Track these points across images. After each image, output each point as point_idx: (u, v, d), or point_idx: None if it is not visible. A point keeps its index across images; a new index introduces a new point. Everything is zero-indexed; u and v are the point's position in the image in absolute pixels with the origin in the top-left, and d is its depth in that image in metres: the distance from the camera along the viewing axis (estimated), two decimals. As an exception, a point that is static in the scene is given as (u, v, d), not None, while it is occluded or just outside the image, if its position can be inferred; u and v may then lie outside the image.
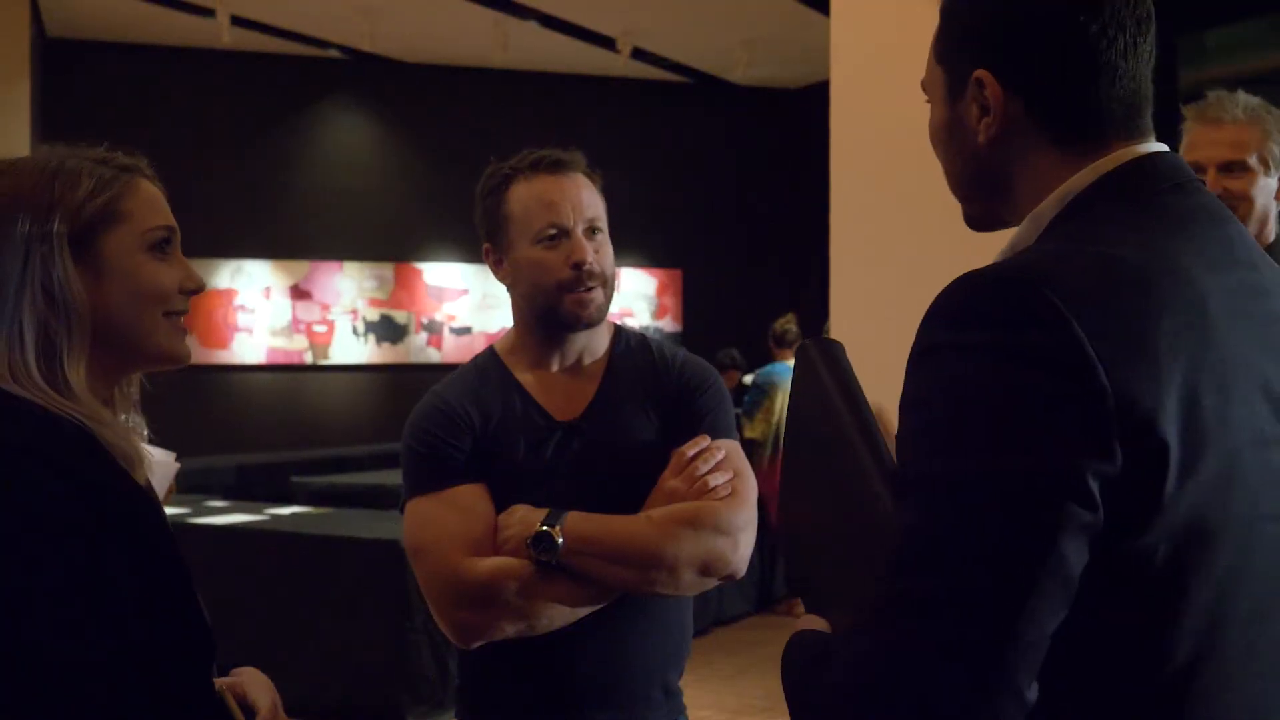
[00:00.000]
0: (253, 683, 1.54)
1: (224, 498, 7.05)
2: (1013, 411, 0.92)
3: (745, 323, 10.45)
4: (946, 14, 1.17)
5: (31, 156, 1.43)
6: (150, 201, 1.45)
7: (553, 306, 1.94)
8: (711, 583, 1.89)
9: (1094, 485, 0.90)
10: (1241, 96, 2.40)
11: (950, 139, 1.17)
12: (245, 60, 10.77)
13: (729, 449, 1.93)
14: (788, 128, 12.10)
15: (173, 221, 1.47)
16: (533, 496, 1.88)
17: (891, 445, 1.10)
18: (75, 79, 10.11)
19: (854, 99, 3.79)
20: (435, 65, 11.46)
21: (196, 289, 1.47)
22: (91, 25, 10.13)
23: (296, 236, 11.17)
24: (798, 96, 12.12)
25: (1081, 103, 1.09)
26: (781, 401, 7.40)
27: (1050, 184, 1.10)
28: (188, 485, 7.30)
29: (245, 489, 8.15)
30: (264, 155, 10.96)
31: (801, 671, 1.07)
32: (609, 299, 1.98)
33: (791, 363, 7.87)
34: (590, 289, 1.93)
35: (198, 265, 1.57)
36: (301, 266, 11.22)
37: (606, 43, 10.54)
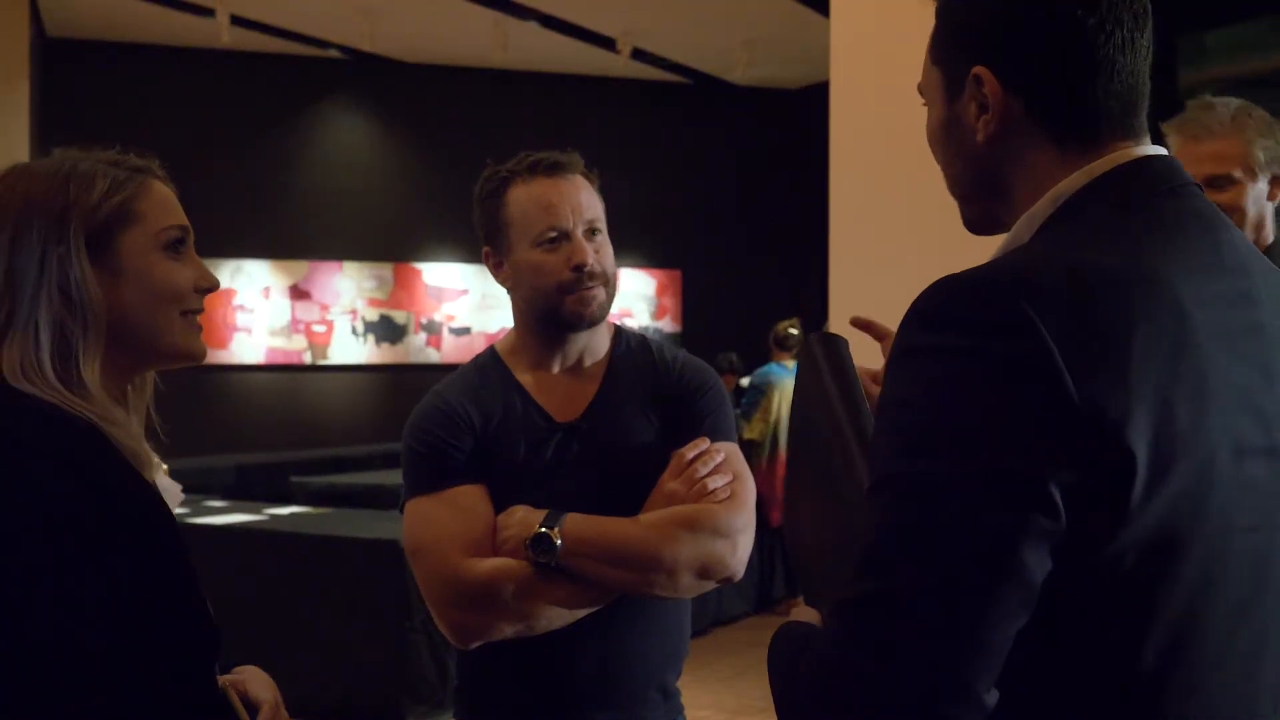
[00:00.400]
0: (255, 680, 1.55)
1: (223, 498, 7.05)
2: (978, 417, 0.93)
3: (744, 323, 10.45)
4: (943, 13, 1.17)
5: (45, 160, 1.45)
6: (163, 202, 1.48)
7: (554, 308, 1.94)
8: (710, 585, 1.89)
9: (1057, 493, 0.91)
10: (1219, 106, 2.35)
11: (948, 139, 1.17)
12: (245, 60, 10.77)
13: (728, 451, 1.93)
14: (787, 128, 12.10)
15: (186, 221, 1.50)
16: (532, 497, 1.88)
17: None
18: (75, 79, 10.11)
19: (853, 100, 3.79)
20: (435, 65, 11.47)
21: (211, 287, 1.50)
22: (91, 25, 10.13)
23: (296, 236, 11.17)
24: (797, 97, 12.12)
25: (1079, 98, 1.09)
26: (779, 402, 7.41)
27: (1047, 184, 1.10)
28: (187, 486, 7.28)
29: (244, 489, 8.15)
30: (263, 155, 10.96)
31: (782, 663, 1.08)
32: (611, 298, 1.98)
33: (789, 364, 7.90)
34: (591, 288, 1.93)
35: (197, 265, 1.59)
36: (301, 266, 11.22)
37: (606, 43, 10.54)
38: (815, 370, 1.19)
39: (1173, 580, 0.95)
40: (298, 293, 11.23)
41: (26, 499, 1.27)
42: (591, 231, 1.95)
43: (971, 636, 0.90)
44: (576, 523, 1.82)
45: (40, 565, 1.26)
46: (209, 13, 9.32)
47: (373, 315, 11.51)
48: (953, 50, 1.15)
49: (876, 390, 1.63)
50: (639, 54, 10.91)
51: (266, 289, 11.11)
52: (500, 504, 1.89)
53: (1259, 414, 1.01)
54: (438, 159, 11.26)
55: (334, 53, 10.89)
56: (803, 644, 1.05)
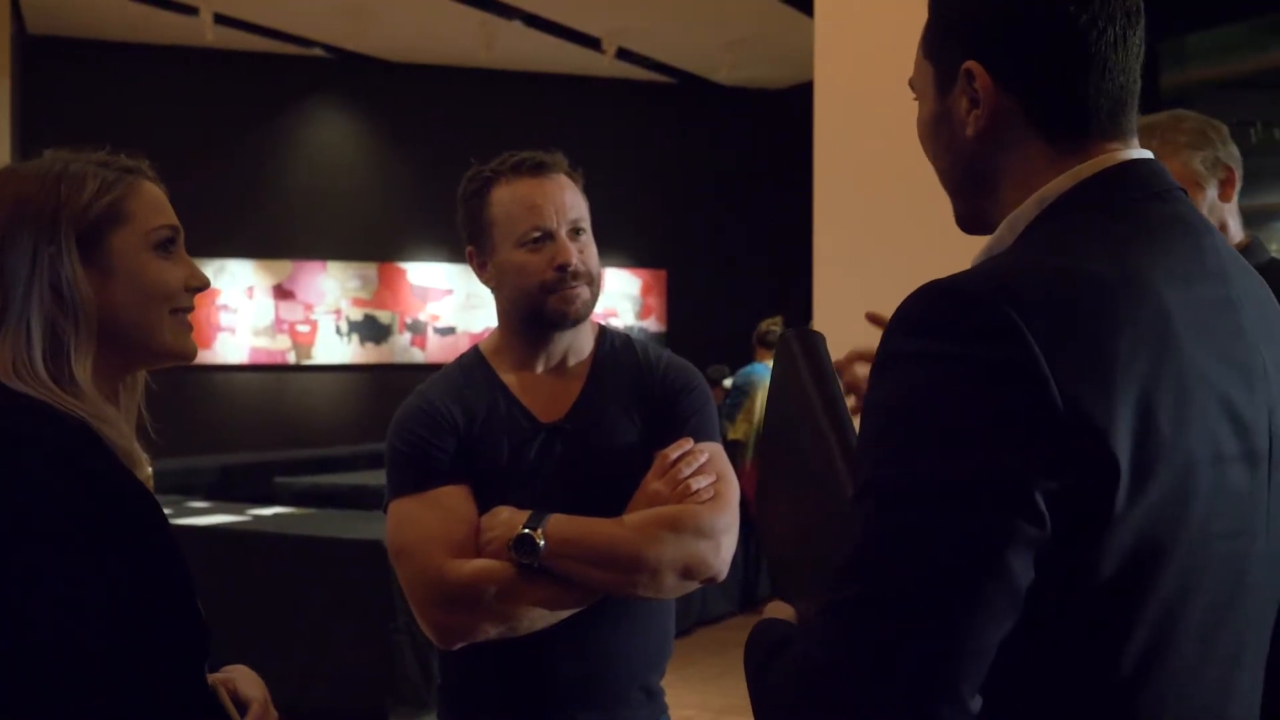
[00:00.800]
0: (244, 678, 1.57)
1: (206, 498, 7.03)
2: (964, 424, 0.93)
3: (730, 323, 10.46)
4: (936, 7, 1.17)
5: (36, 161, 1.47)
6: (154, 202, 1.49)
7: (538, 308, 1.94)
8: (693, 585, 1.89)
9: (1042, 501, 0.91)
10: (1152, 126, 2.28)
11: (939, 135, 1.17)
12: (228, 59, 10.74)
13: (712, 451, 1.93)
14: (772, 128, 12.12)
15: (176, 221, 1.51)
16: (516, 497, 1.88)
17: None
18: (56, 77, 10.06)
19: (838, 100, 3.80)
20: (420, 65, 11.45)
21: (201, 286, 1.52)
22: (73, 23, 10.09)
23: (279, 236, 11.14)
24: (782, 97, 12.14)
25: (1070, 94, 1.08)
26: (762, 401, 7.42)
27: (1035, 181, 1.09)
28: (170, 486, 7.27)
29: (228, 489, 8.11)
30: (247, 154, 10.92)
31: (760, 659, 1.08)
32: (595, 296, 1.98)
33: (771, 363, 7.87)
34: (575, 287, 1.93)
35: (180, 264, 1.60)
36: (285, 266, 11.19)
37: (591, 43, 10.54)
38: (792, 365, 1.18)
39: (1152, 587, 0.96)
40: (282, 292, 11.20)
41: (23, 497, 1.28)
42: (575, 231, 1.95)
43: (958, 640, 0.90)
44: (560, 524, 1.82)
45: (38, 563, 1.26)
46: (192, 11, 9.29)
47: (357, 315, 11.48)
48: (944, 44, 1.14)
49: (863, 374, 1.63)
50: (624, 54, 10.92)
51: (250, 289, 11.08)
52: (484, 504, 1.89)
53: (1237, 420, 1.01)
54: (422, 158, 11.24)
55: (318, 52, 10.86)
56: (781, 642, 1.05)
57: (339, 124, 11.53)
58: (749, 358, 7.78)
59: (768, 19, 9.73)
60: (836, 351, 1.24)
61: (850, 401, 1.35)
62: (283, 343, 11.23)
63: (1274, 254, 2.37)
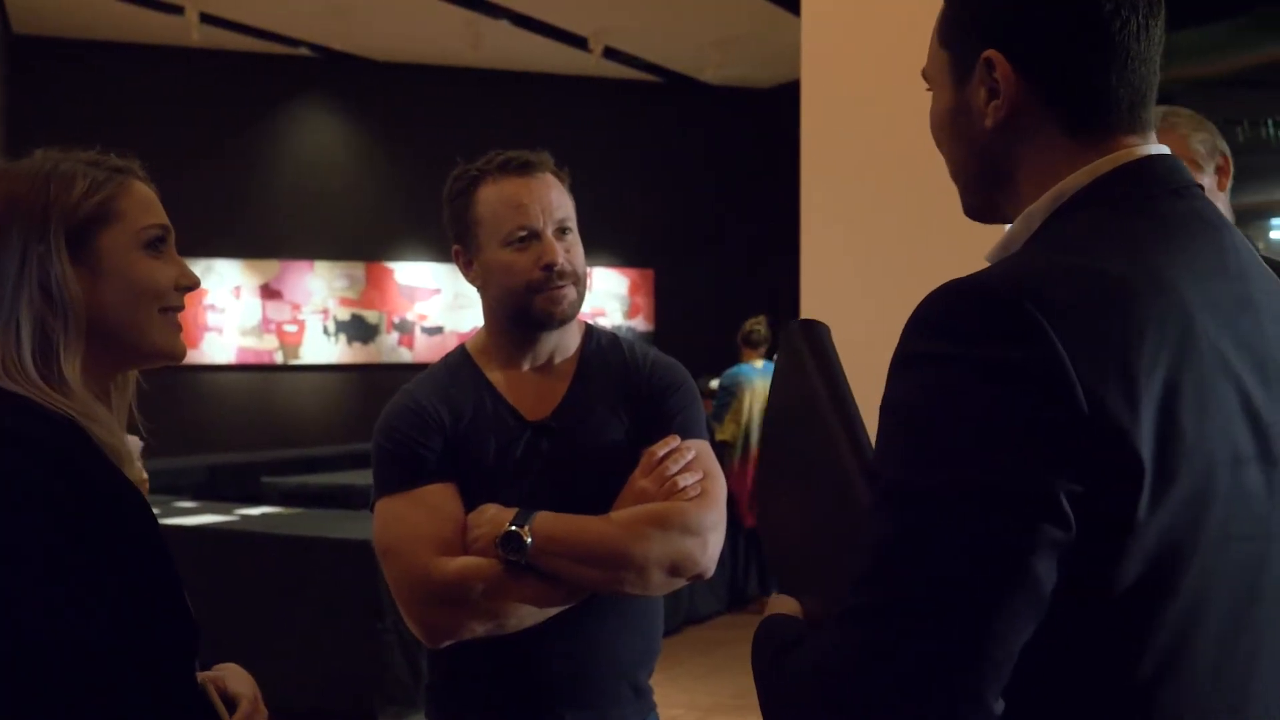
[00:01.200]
0: (234, 676, 1.57)
1: (194, 498, 7.01)
2: (988, 427, 0.91)
3: (717, 322, 10.45)
4: None
5: (26, 161, 1.47)
6: (144, 201, 1.49)
7: (524, 307, 1.94)
8: (680, 582, 1.89)
9: (1067, 503, 0.90)
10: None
11: (955, 126, 1.15)
12: (215, 58, 10.70)
13: (699, 449, 1.93)
14: (759, 127, 12.12)
15: (166, 220, 1.52)
16: (503, 496, 1.88)
17: (874, 433, 1.09)
18: (42, 76, 10.02)
19: (825, 99, 3.80)
20: (406, 64, 11.43)
21: (192, 285, 1.53)
22: (58, 22, 10.05)
23: (266, 236, 11.11)
24: (769, 96, 12.14)
25: (1091, 85, 1.07)
26: (750, 402, 7.42)
27: (1053, 174, 1.08)
28: (157, 486, 7.23)
29: (215, 489, 8.09)
30: (233, 154, 10.89)
31: (770, 657, 1.06)
32: (581, 297, 1.98)
33: (759, 363, 7.86)
34: (561, 287, 1.93)
35: (167, 264, 1.60)
36: (272, 266, 11.17)
37: (578, 42, 10.53)
38: (797, 358, 1.16)
39: (1173, 589, 0.95)
40: (269, 292, 11.17)
41: (12, 496, 1.28)
42: (561, 230, 1.96)
43: (982, 646, 0.89)
44: (546, 521, 1.82)
45: (29, 561, 1.26)
46: (178, 10, 9.26)
47: (344, 315, 11.46)
48: (963, 33, 1.12)
49: None
50: (611, 53, 10.91)
51: (237, 288, 11.05)
52: (471, 503, 1.89)
53: (1256, 421, 1.00)
54: (409, 158, 11.22)
55: (305, 51, 10.84)
56: (792, 641, 1.04)
57: (326, 124, 11.51)
58: (737, 357, 7.78)
59: (755, 18, 9.74)
60: (838, 338, 1.21)
61: None
62: (270, 343, 11.20)
63: (1260, 252, 2.39)
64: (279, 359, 11.25)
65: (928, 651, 0.90)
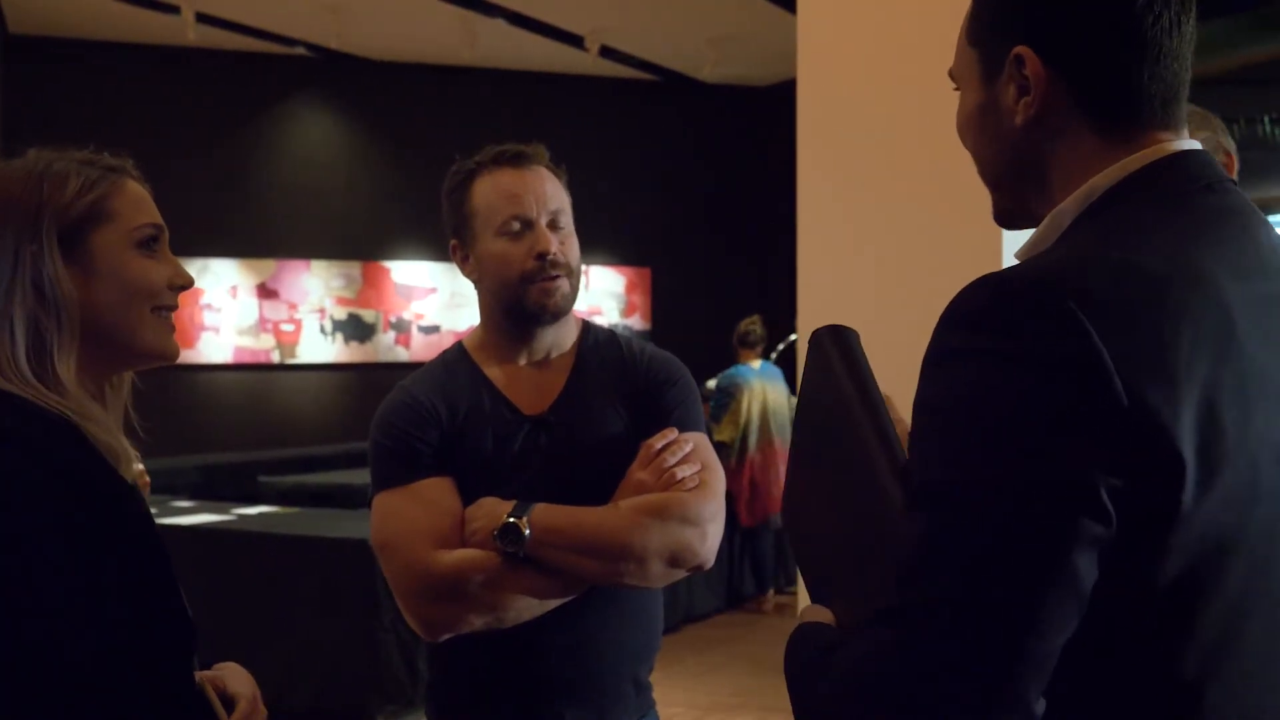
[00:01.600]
0: (234, 676, 1.57)
1: (191, 498, 7.01)
2: (1027, 421, 0.90)
3: (714, 321, 10.46)
4: None
5: (19, 160, 1.47)
6: (137, 201, 1.49)
7: (518, 298, 1.94)
8: (680, 574, 1.88)
9: (1107, 498, 0.88)
10: None
11: (983, 124, 1.14)
12: (211, 58, 10.70)
13: (697, 441, 1.93)
14: (755, 125, 12.13)
15: (159, 220, 1.52)
16: (501, 490, 1.88)
17: (904, 436, 1.08)
18: (38, 76, 10.01)
19: (821, 97, 3.80)
20: (402, 63, 11.42)
21: (185, 285, 1.53)
22: (55, 22, 10.04)
23: (263, 235, 11.11)
24: (765, 94, 12.15)
25: (1124, 81, 1.06)
26: (747, 403, 7.41)
27: (1084, 171, 1.07)
28: (155, 486, 7.23)
29: (212, 489, 8.09)
30: (229, 153, 10.89)
31: (806, 664, 1.05)
32: (575, 289, 1.98)
33: (755, 364, 7.84)
34: (555, 277, 1.93)
35: (163, 263, 1.60)
36: (268, 265, 11.16)
37: (574, 41, 10.53)
38: (826, 366, 1.14)
39: (1218, 588, 0.93)
40: (265, 291, 11.16)
41: (11, 496, 1.28)
42: (555, 222, 1.96)
43: (1023, 646, 0.88)
44: (545, 512, 1.81)
45: (21, 560, 1.26)
46: (174, 10, 9.25)
47: (341, 314, 11.46)
48: (993, 30, 1.11)
49: None
50: (607, 51, 10.91)
51: (234, 288, 11.04)
52: (468, 497, 1.88)
53: None
54: (405, 157, 11.22)
55: (301, 50, 10.83)
56: (827, 647, 1.03)
57: (322, 123, 11.50)
58: (733, 355, 7.77)
59: (751, 16, 9.74)
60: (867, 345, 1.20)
61: None
62: (267, 342, 11.20)
63: None
64: (276, 358, 11.25)
65: (967, 650, 0.88)
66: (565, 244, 1.96)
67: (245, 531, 5.60)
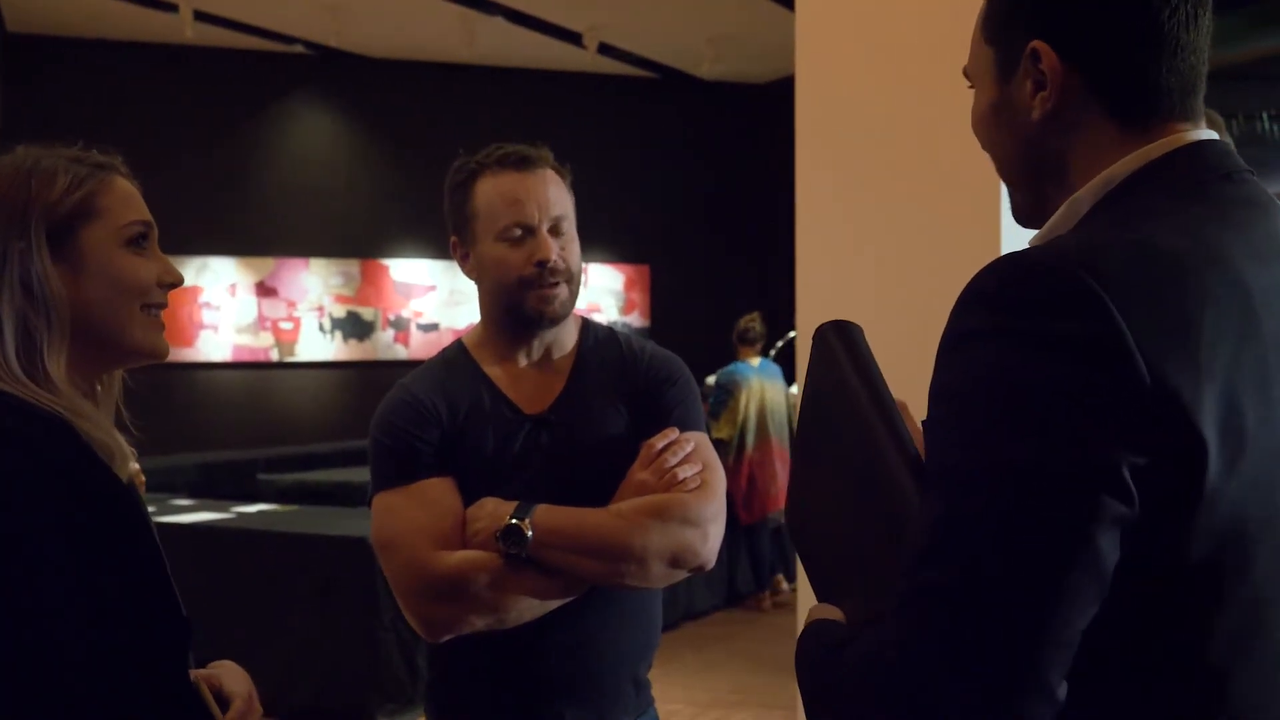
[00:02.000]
0: (230, 674, 1.56)
1: (190, 496, 7.01)
2: (1048, 401, 0.89)
3: (713, 318, 10.46)
4: None
5: (8, 157, 1.46)
6: (126, 198, 1.48)
7: (516, 303, 1.93)
8: (681, 574, 1.88)
9: (1129, 477, 0.87)
10: None
11: (1000, 121, 1.13)
12: (209, 56, 10.69)
13: (698, 441, 1.93)
14: (754, 123, 12.13)
15: (149, 217, 1.50)
16: (502, 490, 1.87)
17: (913, 431, 1.07)
18: (36, 74, 10.00)
19: (819, 94, 3.80)
20: (401, 61, 11.42)
21: (174, 283, 1.50)
22: (53, 20, 10.03)
23: (262, 233, 11.11)
24: (764, 91, 12.15)
25: (1140, 75, 1.05)
26: (746, 401, 7.40)
27: (1102, 165, 1.06)
28: (153, 484, 7.23)
29: (211, 487, 8.09)
30: (229, 152, 10.89)
31: (817, 661, 1.04)
32: (574, 295, 1.97)
33: (754, 361, 7.83)
34: (554, 284, 1.93)
35: (161, 262, 1.59)
36: (267, 263, 11.16)
37: (573, 38, 10.53)
38: (832, 361, 1.13)
39: (1243, 571, 0.93)
40: (264, 290, 11.16)
41: (7, 495, 1.27)
42: (557, 227, 1.95)
43: (1045, 628, 0.87)
44: (547, 513, 1.81)
45: (24, 560, 1.26)
46: (172, 8, 9.25)
47: (340, 312, 11.46)
48: (1008, 26, 1.11)
49: None
50: (606, 49, 10.91)
51: (233, 286, 11.04)
52: (469, 497, 1.88)
53: None
54: (404, 155, 11.22)
55: (299, 48, 10.83)
56: (837, 641, 1.02)
57: (320, 121, 11.50)
58: (732, 353, 7.76)
59: (749, 13, 9.74)
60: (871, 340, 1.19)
61: None
62: (265, 340, 11.19)
63: None
64: (274, 356, 11.25)
65: (988, 633, 0.87)
66: (566, 249, 1.95)
67: (244, 529, 5.59)
